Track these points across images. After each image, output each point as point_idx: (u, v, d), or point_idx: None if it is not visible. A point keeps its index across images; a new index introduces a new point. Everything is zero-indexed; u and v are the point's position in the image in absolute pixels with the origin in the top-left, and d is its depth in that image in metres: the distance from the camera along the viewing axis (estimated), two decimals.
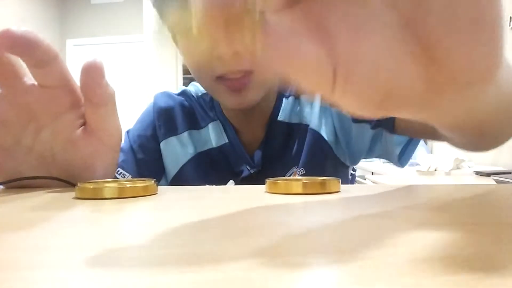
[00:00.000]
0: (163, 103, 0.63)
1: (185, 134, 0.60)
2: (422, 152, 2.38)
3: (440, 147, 2.49)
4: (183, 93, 0.64)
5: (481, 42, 0.16)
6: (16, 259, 0.11)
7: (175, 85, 3.56)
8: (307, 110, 0.59)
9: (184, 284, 0.09)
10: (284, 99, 0.60)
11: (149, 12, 3.56)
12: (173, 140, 0.60)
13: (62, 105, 0.33)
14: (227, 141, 0.60)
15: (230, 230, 0.15)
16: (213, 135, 0.60)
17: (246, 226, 0.16)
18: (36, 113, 0.33)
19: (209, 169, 0.60)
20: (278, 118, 0.59)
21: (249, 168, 0.58)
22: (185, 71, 4.06)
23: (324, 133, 0.57)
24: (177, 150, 0.60)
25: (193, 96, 0.64)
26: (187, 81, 4.57)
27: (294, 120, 0.59)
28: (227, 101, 0.52)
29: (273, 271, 0.10)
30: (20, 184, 0.33)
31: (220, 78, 0.50)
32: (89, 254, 0.12)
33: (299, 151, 0.58)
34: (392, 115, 0.19)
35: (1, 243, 0.14)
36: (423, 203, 0.22)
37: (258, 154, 0.59)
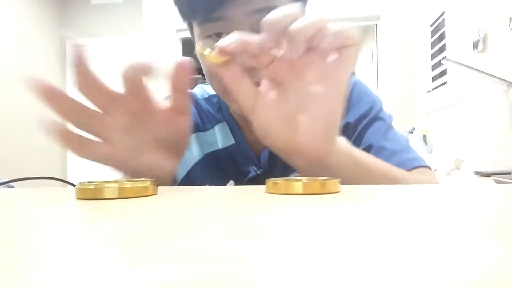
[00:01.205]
0: None
1: (192, 137, 0.60)
2: (422, 152, 2.38)
3: (440, 147, 2.50)
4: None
5: (318, 139, 0.34)
6: (16, 259, 0.11)
7: None
8: None
9: (184, 284, 0.09)
10: None
11: (149, 12, 3.56)
12: None
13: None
14: (233, 142, 0.60)
15: (230, 230, 0.15)
16: (219, 137, 0.60)
17: (246, 226, 0.16)
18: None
19: (216, 170, 0.60)
20: None
21: (255, 169, 0.58)
22: None
23: None
24: (186, 154, 0.60)
25: (199, 98, 0.64)
26: None
27: None
28: (237, 108, 0.52)
29: (273, 271, 0.10)
30: (19, 184, 0.33)
31: None
32: (89, 254, 0.12)
33: None
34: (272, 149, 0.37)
35: (1, 243, 0.14)
36: (423, 203, 0.22)
37: (264, 155, 0.59)
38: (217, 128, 0.61)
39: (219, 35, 0.49)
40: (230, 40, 0.33)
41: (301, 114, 0.34)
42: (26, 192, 0.31)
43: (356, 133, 0.56)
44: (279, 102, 0.35)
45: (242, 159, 0.59)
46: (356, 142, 0.55)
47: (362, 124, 0.56)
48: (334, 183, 0.27)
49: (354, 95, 0.59)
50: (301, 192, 0.26)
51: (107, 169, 0.38)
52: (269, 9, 0.48)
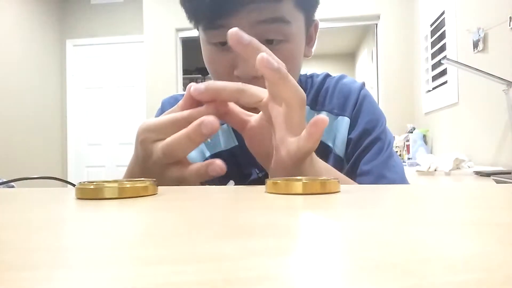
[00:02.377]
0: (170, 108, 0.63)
1: None
2: (422, 152, 2.38)
3: (440, 147, 2.49)
4: None
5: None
6: (17, 259, 0.11)
7: (175, 85, 3.55)
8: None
9: (184, 284, 0.09)
10: None
11: (149, 12, 3.56)
12: None
13: None
14: (236, 143, 0.59)
15: (230, 230, 0.15)
16: (222, 138, 0.60)
17: (246, 226, 0.16)
18: None
19: None
20: None
21: (257, 171, 0.58)
22: (185, 71, 4.05)
23: (335, 147, 0.58)
24: (188, 156, 0.60)
25: None
26: (187, 81, 4.57)
27: None
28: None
29: (273, 271, 0.10)
30: (19, 184, 0.33)
31: None
32: (89, 254, 0.12)
33: None
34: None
35: (1, 243, 0.14)
36: (423, 203, 0.22)
37: None
38: (220, 129, 0.60)
39: (223, 44, 0.49)
40: (201, 88, 0.35)
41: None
42: (26, 192, 0.31)
43: (358, 151, 0.57)
44: (264, 129, 0.39)
45: (245, 161, 0.59)
46: (357, 161, 0.56)
47: (364, 142, 0.57)
48: (334, 183, 0.27)
49: (364, 108, 0.59)
50: (301, 192, 0.26)
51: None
52: (273, 19, 0.48)
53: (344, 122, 0.59)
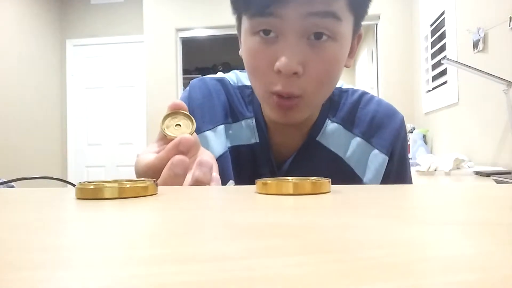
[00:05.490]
0: (199, 94, 0.61)
1: (220, 127, 0.59)
2: (422, 152, 2.37)
3: (440, 147, 2.49)
4: (221, 82, 0.62)
5: None
6: (16, 259, 0.11)
7: (175, 85, 3.55)
8: (349, 143, 0.59)
9: (184, 284, 0.09)
10: (328, 120, 0.59)
11: (149, 12, 3.56)
12: (208, 134, 0.59)
13: None
14: (258, 140, 0.58)
15: (230, 230, 0.15)
16: (245, 132, 0.59)
17: (246, 226, 0.16)
18: None
19: (237, 165, 0.58)
20: (317, 139, 0.58)
21: (270, 175, 0.57)
22: (185, 71, 4.05)
23: (365, 178, 0.59)
24: (211, 144, 0.58)
25: (231, 85, 0.62)
26: (187, 81, 4.56)
27: (333, 147, 0.58)
28: (273, 114, 0.52)
29: (272, 272, 0.10)
30: (19, 184, 0.33)
31: (272, 92, 0.50)
32: (89, 254, 0.12)
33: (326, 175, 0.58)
34: None
35: (1, 243, 0.14)
36: (423, 203, 0.22)
37: (287, 165, 0.58)
38: (244, 122, 0.59)
39: (266, 33, 0.48)
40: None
41: None
42: (26, 192, 0.31)
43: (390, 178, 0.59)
44: None
45: (262, 160, 0.58)
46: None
47: (396, 169, 0.60)
48: (324, 183, 0.27)
49: (403, 144, 0.62)
50: (291, 192, 0.26)
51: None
52: (325, 13, 0.46)
53: (380, 158, 0.58)
